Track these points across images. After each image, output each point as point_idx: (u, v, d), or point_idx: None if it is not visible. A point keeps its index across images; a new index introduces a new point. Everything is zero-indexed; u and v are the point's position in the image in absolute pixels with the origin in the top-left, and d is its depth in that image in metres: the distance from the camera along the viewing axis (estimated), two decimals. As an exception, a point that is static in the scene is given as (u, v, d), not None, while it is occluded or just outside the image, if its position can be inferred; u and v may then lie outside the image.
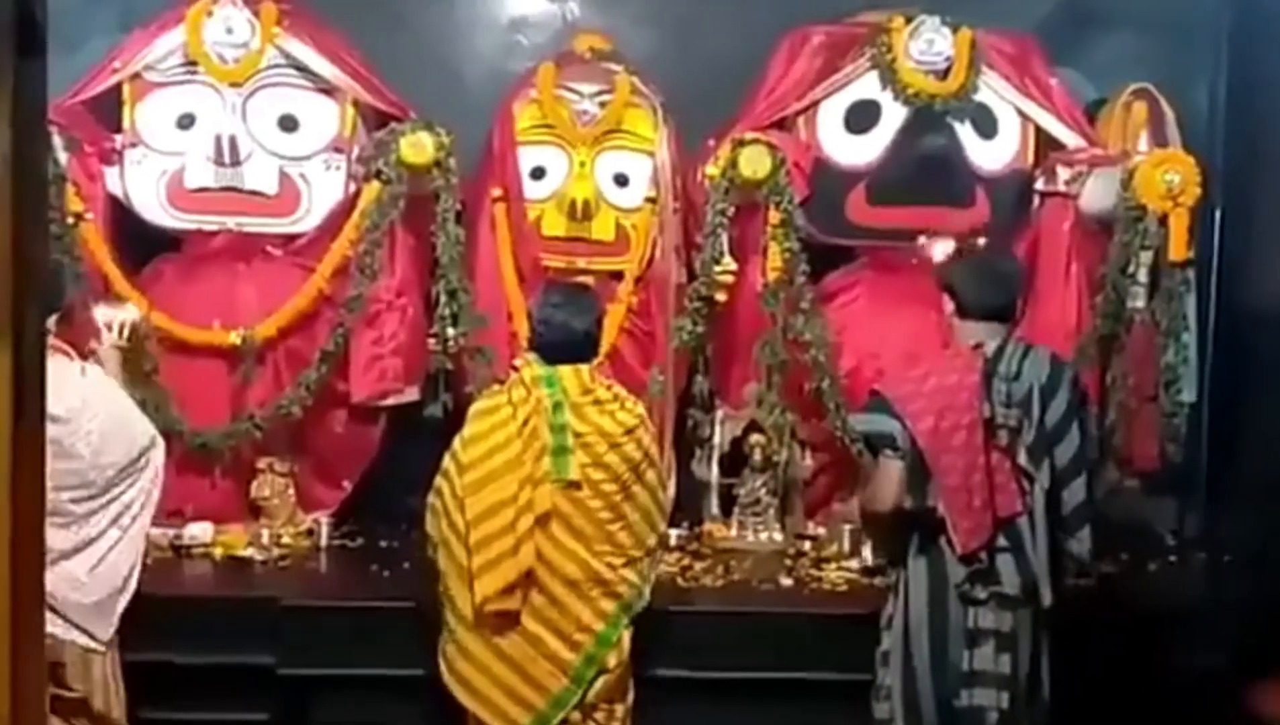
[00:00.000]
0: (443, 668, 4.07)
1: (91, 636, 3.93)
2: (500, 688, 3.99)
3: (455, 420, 4.42)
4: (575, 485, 4.00)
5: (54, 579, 3.72)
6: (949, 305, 4.14)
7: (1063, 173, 5.40)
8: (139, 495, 3.97)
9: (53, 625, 3.76)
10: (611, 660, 4.08)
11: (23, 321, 1.67)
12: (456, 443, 4.08)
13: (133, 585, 4.00)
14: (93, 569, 3.90)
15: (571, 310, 4.19)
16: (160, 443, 4.06)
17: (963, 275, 4.16)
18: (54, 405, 3.60)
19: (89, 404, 3.85)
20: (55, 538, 3.73)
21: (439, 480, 4.08)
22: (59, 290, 4.02)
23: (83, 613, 3.88)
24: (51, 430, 3.60)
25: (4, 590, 1.69)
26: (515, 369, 4.16)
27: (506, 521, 3.93)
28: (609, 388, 4.16)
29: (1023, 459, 3.98)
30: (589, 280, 5.26)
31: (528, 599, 3.97)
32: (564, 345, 4.12)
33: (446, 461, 4.07)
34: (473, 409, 4.16)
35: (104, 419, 3.87)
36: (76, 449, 3.81)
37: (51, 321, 3.89)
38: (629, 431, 4.09)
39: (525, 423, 3.99)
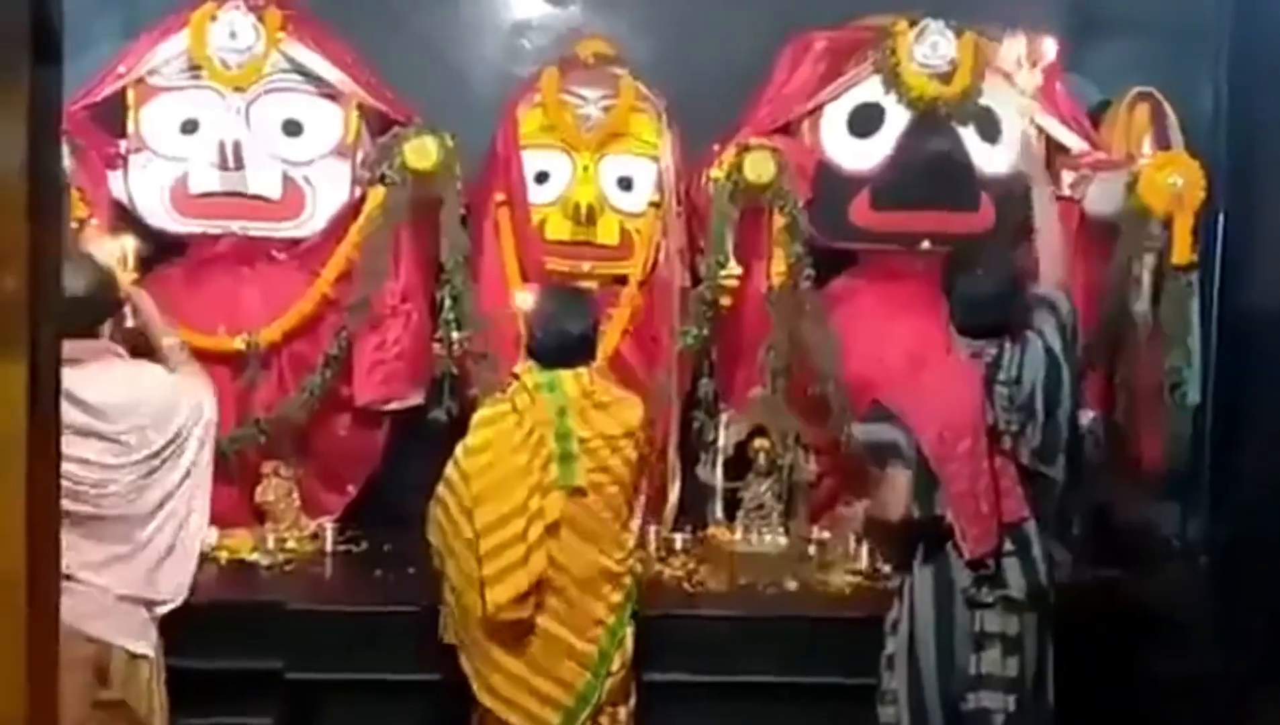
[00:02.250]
0: (471, 679, 4.07)
1: (149, 604, 3.93)
2: (530, 692, 4.02)
3: (460, 425, 4.43)
4: (581, 491, 4.01)
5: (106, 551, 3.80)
6: (947, 313, 4.15)
7: (1066, 176, 5.40)
8: (186, 465, 3.96)
9: (100, 628, 3.81)
10: (615, 662, 4.10)
11: (38, 328, 1.67)
12: (459, 451, 4.08)
13: (190, 550, 4.00)
14: (158, 531, 3.91)
15: (567, 314, 4.20)
16: (205, 414, 4.03)
17: (959, 293, 4.14)
18: (104, 403, 3.74)
19: (141, 402, 3.87)
20: (112, 513, 3.80)
21: (441, 490, 4.08)
22: (115, 298, 4.05)
23: (136, 582, 3.89)
24: (102, 427, 3.71)
25: (20, 586, 1.69)
26: (515, 377, 4.17)
27: (517, 530, 3.94)
28: (609, 390, 4.17)
29: (1029, 461, 3.98)
30: (593, 284, 5.27)
31: (543, 603, 3.99)
32: (561, 350, 4.13)
33: (450, 471, 4.07)
34: (476, 417, 4.16)
35: (154, 413, 3.89)
36: (130, 442, 3.83)
37: (106, 327, 3.96)
38: (629, 433, 4.10)
39: (531, 431, 4.00)
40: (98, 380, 3.79)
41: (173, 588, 3.97)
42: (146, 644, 3.92)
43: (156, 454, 3.89)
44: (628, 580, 4.13)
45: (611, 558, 4.08)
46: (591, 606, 4.06)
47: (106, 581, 3.82)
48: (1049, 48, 4.87)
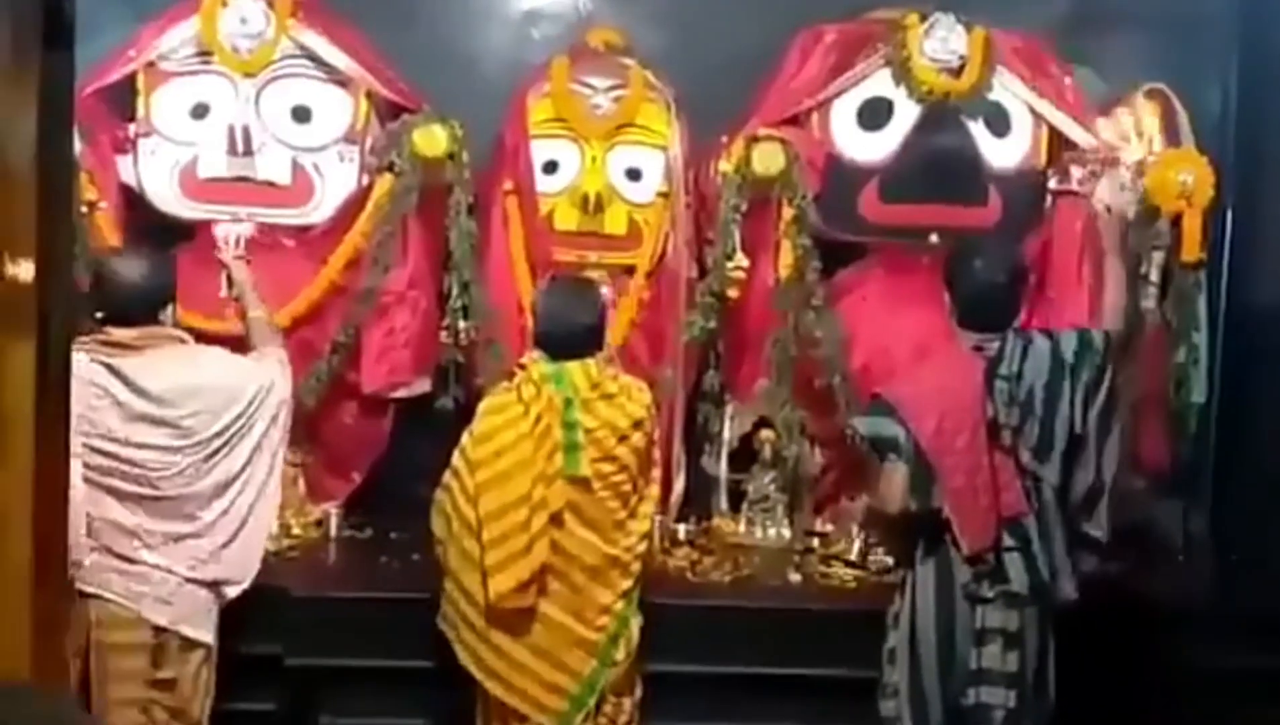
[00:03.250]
0: (468, 663, 4.08)
1: (214, 585, 4.01)
2: (532, 678, 4.03)
3: (466, 413, 4.44)
4: (586, 481, 4.02)
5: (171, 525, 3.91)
6: (949, 305, 4.16)
7: (1076, 171, 5.39)
8: (252, 446, 4.04)
9: (162, 615, 3.90)
10: (621, 651, 4.11)
11: (48, 309, 1.68)
12: (466, 439, 4.09)
13: (259, 533, 4.11)
14: (225, 512, 4.00)
15: (573, 304, 4.20)
16: (276, 394, 4.12)
17: (960, 286, 4.15)
18: (165, 390, 3.85)
19: (203, 387, 3.95)
20: (173, 493, 3.90)
21: (448, 478, 4.09)
22: (170, 285, 4.11)
23: (200, 562, 3.97)
24: (163, 412, 3.81)
25: (27, 564, 1.70)
26: (522, 367, 4.17)
27: (521, 519, 3.95)
28: (615, 379, 4.18)
29: (1026, 459, 3.99)
30: (601, 274, 5.27)
31: (548, 590, 4.00)
32: (568, 339, 4.14)
33: (456, 459, 4.08)
34: (482, 406, 4.16)
35: (216, 397, 3.97)
36: (192, 426, 3.91)
37: (169, 312, 4.04)
38: (637, 423, 4.11)
39: (538, 421, 4.01)
40: (159, 367, 3.88)
41: (239, 569, 4.06)
42: (206, 631, 4.01)
43: (218, 435, 3.96)
44: (636, 567, 4.15)
45: (618, 545, 4.09)
46: (598, 594, 4.08)
47: (169, 561, 3.90)
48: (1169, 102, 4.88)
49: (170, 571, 3.90)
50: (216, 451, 3.95)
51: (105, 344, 3.84)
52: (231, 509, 4.00)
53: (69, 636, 3.79)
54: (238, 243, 5.04)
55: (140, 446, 3.83)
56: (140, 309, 3.93)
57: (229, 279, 4.72)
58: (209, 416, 3.93)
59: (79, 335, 3.87)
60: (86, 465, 3.74)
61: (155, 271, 4.04)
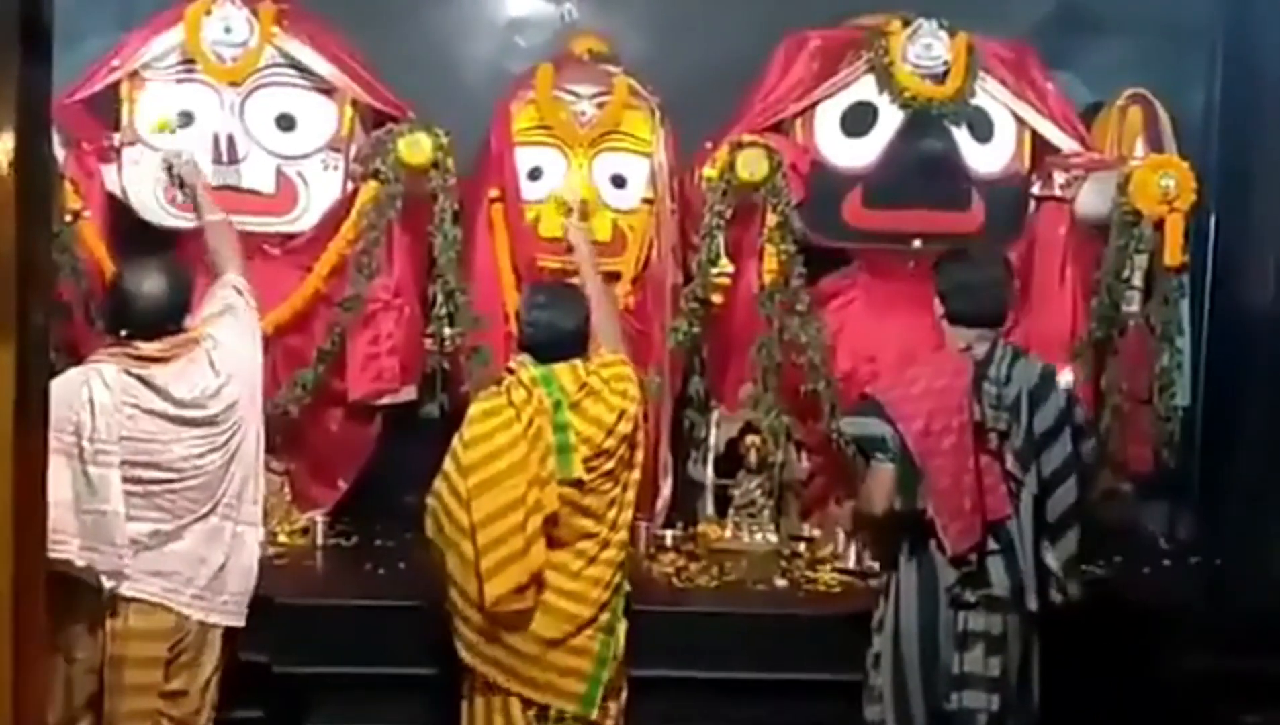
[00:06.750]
0: (474, 663, 4.07)
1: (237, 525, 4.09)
2: (547, 666, 4.04)
3: (452, 420, 4.43)
4: (579, 480, 4.02)
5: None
6: (939, 308, 4.17)
7: (1058, 177, 5.41)
8: (249, 392, 4.13)
9: (194, 610, 3.99)
10: (610, 651, 4.12)
11: (27, 318, 1.69)
12: (457, 444, 4.08)
13: (258, 463, 4.17)
14: (240, 458, 4.08)
15: (558, 310, 4.21)
16: (258, 339, 4.23)
17: (952, 281, 4.17)
18: (194, 396, 3.94)
19: (227, 382, 4.03)
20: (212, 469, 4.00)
21: (439, 484, 4.08)
22: (188, 297, 4.14)
23: (236, 502, 4.07)
24: (195, 414, 3.92)
25: (6, 573, 1.71)
26: (510, 372, 4.17)
27: (516, 523, 3.95)
28: (599, 371, 4.17)
29: (1010, 463, 4.00)
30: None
31: (550, 584, 4.00)
32: (553, 345, 4.15)
33: (447, 465, 4.07)
34: (472, 411, 4.16)
35: (237, 384, 4.06)
36: (223, 420, 4.01)
37: (189, 320, 4.09)
38: (622, 414, 4.11)
39: (529, 423, 4.01)
40: (187, 374, 3.97)
41: (255, 503, 4.12)
42: (220, 615, 4.03)
43: (240, 416, 4.06)
44: (627, 537, 4.17)
45: (617, 533, 4.10)
46: (599, 574, 4.08)
47: (210, 522, 3.99)
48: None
49: (199, 559, 3.98)
50: (236, 429, 4.05)
51: (134, 358, 3.92)
52: (243, 452, 4.07)
53: (84, 652, 3.87)
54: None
55: (178, 446, 3.92)
56: (162, 321, 4.00)
57: (180, 182, 4.77)
58: (234, 405, 4.04)
59: (107, 349, 3.97)
60: (125, 462, 3.82)
61: (173, 285, 4.07)
